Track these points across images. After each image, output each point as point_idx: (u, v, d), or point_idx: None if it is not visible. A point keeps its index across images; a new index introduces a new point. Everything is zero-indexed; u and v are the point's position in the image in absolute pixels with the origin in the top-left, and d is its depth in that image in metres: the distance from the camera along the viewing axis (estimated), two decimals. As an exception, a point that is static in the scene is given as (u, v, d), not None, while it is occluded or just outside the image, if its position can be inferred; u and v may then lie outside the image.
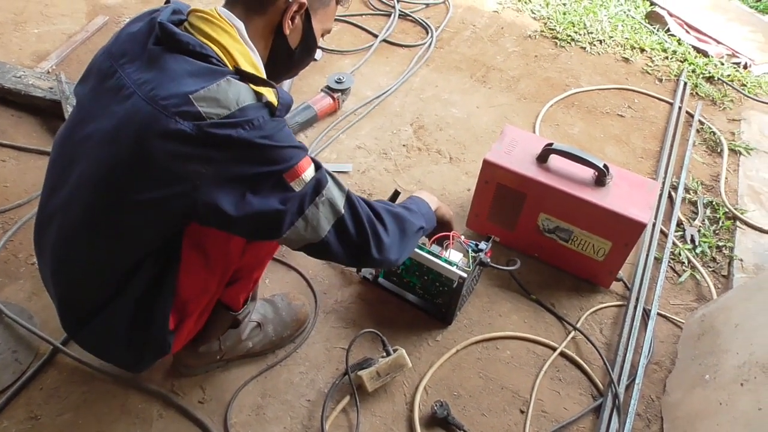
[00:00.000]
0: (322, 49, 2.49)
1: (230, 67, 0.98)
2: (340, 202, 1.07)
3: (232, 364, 1.45)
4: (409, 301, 1.62)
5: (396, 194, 1.67)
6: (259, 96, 0.96)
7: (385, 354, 1.42)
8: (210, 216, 0.98)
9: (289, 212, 1.00)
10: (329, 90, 2.16)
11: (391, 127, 2.18)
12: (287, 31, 1.08)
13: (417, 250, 1.48)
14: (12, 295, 1.54)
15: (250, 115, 0.94)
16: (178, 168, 0.93)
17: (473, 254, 1.50)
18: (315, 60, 2.42)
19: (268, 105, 0.97)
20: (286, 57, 1.13)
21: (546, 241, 1.69)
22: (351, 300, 1.63)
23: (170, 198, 0.95)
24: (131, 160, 0.95)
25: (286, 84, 2.23)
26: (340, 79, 2.17)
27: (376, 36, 2.61)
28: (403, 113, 2.24)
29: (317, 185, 1.03)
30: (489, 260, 1.50)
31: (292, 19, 1.07)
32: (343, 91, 2.17)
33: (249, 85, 0.96)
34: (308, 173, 1.02)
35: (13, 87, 2.06)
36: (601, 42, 2.75)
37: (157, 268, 1.07)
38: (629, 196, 1.58)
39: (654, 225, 1.89)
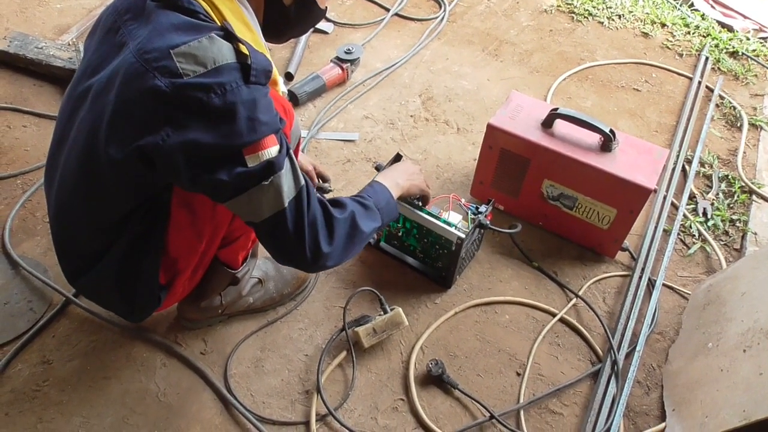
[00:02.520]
0: (333, 22, 2.51)
1: (218, 24, 0.97)
2: (288, 195, 1.02)
3: (234, 319, 1.49)
4: (409, 264, 1.64)
5: (398, 157, 1.69)
6: (242, 57, 0.93)
7: (382, 312, 1.44)
8: (167, 175, 1.00)
9: (232, 186, 0.97)
10: (338, 60, 2.18)
11: (400, 98, 2.19)
12: None
13: (416, 211, 1.49)
14: (29, 250, 1.61)
15: (224, 77, 0.91)
16: (150, 125, 0.93)
17: (473, 216, 1.50)
18: (326, 33, 2.45)
19: (246, 68, 0.94)
20: (280, 16, 1.12)
21: (550, 208, 1.69)
22: (352, 262, 1.65)
23: (137, 152, 0.96)
24: (113, 114, 0.97)
25: (296, 55, 2.26)
26: (349, 49, 2.19)
27: (388, 10, 2.61)
28: (412, 85, 2.25)
29: (268, 168, 0.98)
30: (489, 222, 1.51)
31: None
32: (352, 62, 2.19)
33: (234, 45, 0.94)
34: (267, 153, 0.98)
35: (35, 57, 2.14)
36: (620, 17, 2.70)
37: (145, 224, 1.09)
38: (635, 162, 1.56)
39: (665, 197, 1.86)
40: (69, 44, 2.21)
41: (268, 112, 0.98)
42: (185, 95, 0.91)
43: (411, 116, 2.12)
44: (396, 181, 1.36)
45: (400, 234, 1.60)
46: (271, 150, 0.98)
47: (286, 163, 1.01)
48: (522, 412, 1.37)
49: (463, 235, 1.44)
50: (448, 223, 1.47)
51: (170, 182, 1.04)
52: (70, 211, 1.13)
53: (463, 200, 1.54)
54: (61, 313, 1.48)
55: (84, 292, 1.24)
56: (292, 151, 1.05)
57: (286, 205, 1.01)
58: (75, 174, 1.08)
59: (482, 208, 1.51)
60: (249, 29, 1.03)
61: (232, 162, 0.96)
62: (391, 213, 1.28)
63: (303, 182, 1.05)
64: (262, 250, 1.48)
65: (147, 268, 1.14)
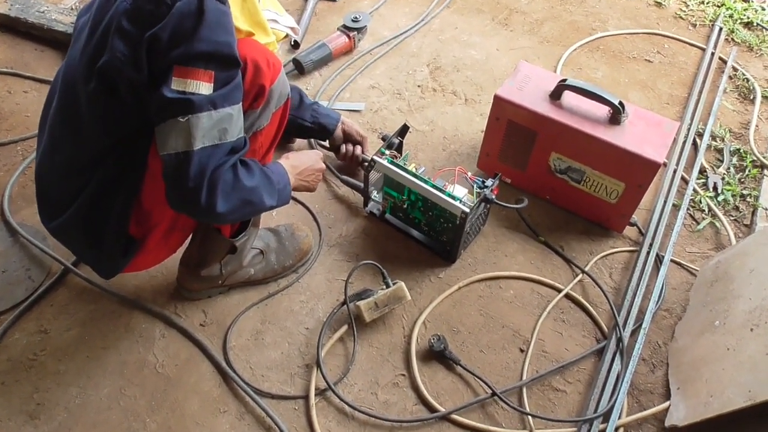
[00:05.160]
0: (341, -12, 2.43)
1: None
2: (200, 141, 0.99)
3: (234, 291, 1.47)
4: (414, 237, 1.61)
5: (405, 128, 1.65)
6: None
7: (384, 286, 1.42)
8: (126, 93, 1.01)
9: (152, 107, 0.99)
10: (345, 29, 2.12)
11: (407, 67, 2.13)
12: None
13: (421, 183, 1.46)
14: (28, 217, 1.59)
15: None
16: (126, 40, 0.97)
17: (478, 190, 1.47)
18: (333, 1, 2.38)
19: None
20: None
21: (557, 182, 1.65)
22: (355, 235, 1.62)
23: (99, 75, 1.00)
24: (85, 44, 1.04)
25: (303, 23, 2.20)
26: (356, 17, 2.13)
27: (397, -23, 2.52)
28: (420, 54, 2.19)
29: (186, 104, 0.97)
30: (494, 197, 1.47)
31: None
32: (359, 30, 2.13)
33: None
34: (195, 86, 0.97)
35: (37, 21, 2.10)
36: (633, -15, 2.61)
37: (118, 168, 1.09)
38: (645, 135, 1.51)
39: (675, 171, 1.82)
40: (71, 9, 2.16)
41: (215, 31, 0.97)
42: (140, 8, 0.95)
43: (418, 86, 2.07)
44: (292, 173, 1.30)
45: (405, 206, 1.57)
46: (200, 86, 0.97)
47: (216, 112, 0.99)
48: (525, 389, 1.36)
49: (467, 210, 1.41)
50: (453, 197, 1.44)
51: (133, 111, 1.04)
52: (51, 156, 1.15)
53: (469, 173, 1.50)
54: (60, 282, 1.47)
55: (57, 236, 1.23)
56: (271, 108, 1.10)
57: (195, 148, 0.99)
58: (55, 117, 1.13)
59: (488, 182, 1.48)
60: None
61: (164, 74, 0.96)
62: (285, 199, 1.23)
63: (233, 139, 1.03)
64: (264, 220, 1.47)
65: (116, 212, 1.13)
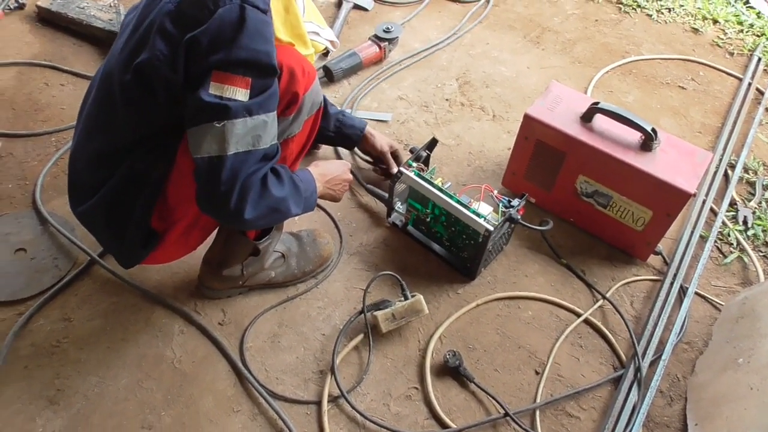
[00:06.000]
0: (375, -1, 2.46)
1: None
2: (234, 146, 1.00)
3: (254, 292, 1.49)
4: (434, 251, 1.61)
5: (434, 142, 1.65)
6: None
7: (402, 298, 1.42)
8: (160, 90, 1.04)
9: (190, 112, 1.01)
10: (377, 39, 2.14)
11: (436, 80, 2.14)
12: None
13: (446, 198, 1.46)
14: (58, 207, 1.62)
15: None
16: (167, 41, 1.00)
17: (504, 209, 1.46)
18: (366, 10, 2.40)
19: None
20: None
21: (583, 205, 1.64)
22: (376, 244, 1.63)
23: (136, 71, 1.03)
24: (127, 38, 1.07)
25: (335, 31, 2.22)
26: (388, 28, 2.14)
27: (430, -11, 2.54)
28: (450, 68, 2.20)
29: (223, 110, 0.98)
30: (520, 217, 1.46)
31: None
32: (390, 41, 2.14)
33: None
34: (232, 92, 0.99)
35: (76, 17, 2.15)
36: (669, 10, 2.59)
37: (147, 162, 1.12)
38: (676, 163, 1.49)
39: (704, 202, 1.79)
40: (110, 6, 2.21)
41: (254, 39, 0.98)
42: (183, 11, 0.99)
43: (446, 100, 2.07)
44: (320, 181, 1.32)
45: (428, 220, 1.57)
46: (237, 92, 0.99)
47: (251, 119, 1.01)
48: (538, 412, 1.34)
49: (491, 228, 1.41)
50: (478, 214, 1.43)
51: (164, 108, 1.06)
52: (84, 144, 1.18)
53: (495, 191, 1.49)
54: (85, 273, 1.50)
55: (83, 222, 1.25)
56: (303, 116, 1.11)
57: (229, 153, 1.00)
58: (91, 107, 1.16)
59: (514, 202, 1.47)
60: None
61: (202, 77, 0.98)
62: (310, 206, 1.25)
63: (266, 146, 1.05)
64: (286, 225, 1.48)
65: (140, 205, 1.15)
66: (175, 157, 1.12)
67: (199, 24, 0.97)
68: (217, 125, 0.99)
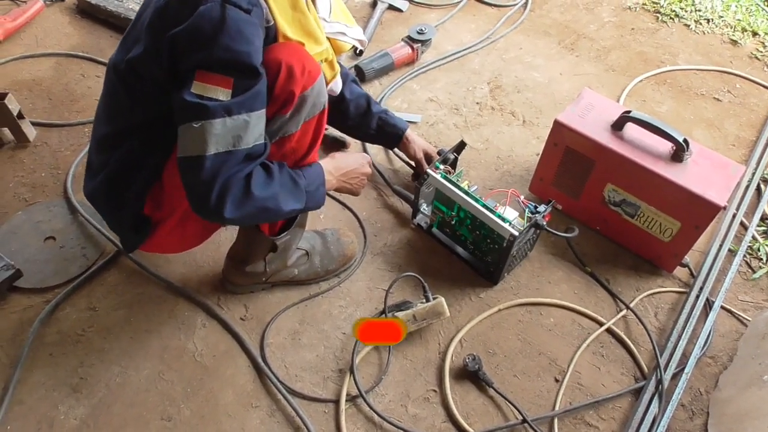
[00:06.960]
0: (409, 0, 2.45)
1: None
2: (213, 147, 1.00)
3: (277, 289, 1.50)
4: (458, 254, 1.61)
5: (462, 145, 1.65)
6: None
7: (424, 300, 1.42)
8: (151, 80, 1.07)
9: (174, 106, 1.02)
10: (410, 40, 2.13)
11: (468, 83, 2.13)
12: None
13: (472, 201, 1.45)
14: (88, 197, 1.66)
15: None
16: (153, 37, 1.03)
17: (529, 215, 1.45)
18: (400, 11, 2.40)
19: None
20: None
21: (610, 214, 1.62)
22: (400, 245, 1.63)
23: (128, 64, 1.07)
24: (132, 37, 1.11)
25: (368, 31, 2.23)
26: (422, 30, 2.14)
27: (465, -7, 2.53)
28: (482, 71, 2.19)
29: (201, 110, 0.98)
30: (545, 224, 1.45)
31: None
32: (423, 42, 2.14)
33: None
34: (214, 92, 0.99)
35: (115, 10, 2.19)
36: (708, 21, 2.54)
37: (145, 145, 1.14)
38: (707, 175, 1.47)
39: (735, 215, 1.75)
40: (146, -1, 2.25)
41: (235, 39, 0.98)
42: (170, 7, 1.00)
43: (477, 103, 2.06)
44: (333, 174, 1.31)
45: (453, 222, 1.57)
46: (219, 92, 0.99)
47: (231, 119, 1.00)
48: (556, 420, 1.33)
49: (516, 233, 1.40)
50: (503, 219, 1.43)
51: (155, 100, 1.09)
52: (95, 128, 1.23)
53: (522, 197, 1.48)
54: (112, 263, 1.53)
55: (90, 201, 1.29)
56: (302, 115, 1.12)
57: (208, 153, 1.00)
58: (102, 93, 1.21)
59: (541, 208, 1.46)
60: None
61: (186, 76, 0.99)
62: (317, 201, 1.23)
63: (248, 146, 1.04)
64: (311, 223, 1.49)
65: (135, 189, 1.17)
66: (171, 146, 1.11)
67: (181, 21, 0.97)
68: (195, 126, 0.99)
